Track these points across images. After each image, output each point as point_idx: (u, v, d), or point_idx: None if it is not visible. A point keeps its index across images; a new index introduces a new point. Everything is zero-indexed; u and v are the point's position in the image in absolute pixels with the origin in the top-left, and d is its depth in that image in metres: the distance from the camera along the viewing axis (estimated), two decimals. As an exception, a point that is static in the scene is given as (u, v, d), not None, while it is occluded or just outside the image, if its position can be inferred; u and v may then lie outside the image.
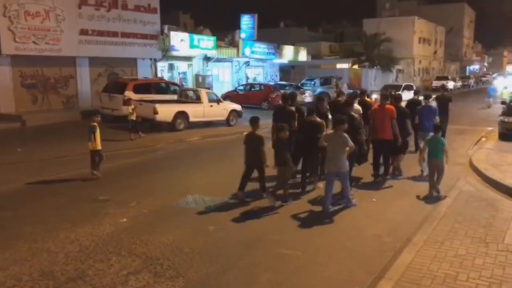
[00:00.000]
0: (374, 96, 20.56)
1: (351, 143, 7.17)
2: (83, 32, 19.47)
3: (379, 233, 6.32)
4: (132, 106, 14.26)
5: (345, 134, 7.20)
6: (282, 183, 7.65)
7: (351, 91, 32.52)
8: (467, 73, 69.52)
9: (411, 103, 11.68)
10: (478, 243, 5.81)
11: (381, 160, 9.31)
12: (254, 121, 7.91)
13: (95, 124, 9.27)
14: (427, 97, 11.18)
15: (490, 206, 7.45)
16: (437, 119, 10.33)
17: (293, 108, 8.90)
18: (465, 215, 6.93)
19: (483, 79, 63.69)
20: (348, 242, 6.02)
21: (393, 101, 9.63)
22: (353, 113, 8.47)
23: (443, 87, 15.97)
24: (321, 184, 8.22)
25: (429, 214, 7.06)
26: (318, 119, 8.36)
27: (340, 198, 7.68)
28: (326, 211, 7.19)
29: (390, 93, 11.00)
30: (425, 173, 8.85)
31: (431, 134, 8.91)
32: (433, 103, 11.07)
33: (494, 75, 64.79)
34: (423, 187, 8.30)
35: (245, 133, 8.38)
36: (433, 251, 5.56)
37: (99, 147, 9.25)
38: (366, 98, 11.31)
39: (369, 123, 9.38)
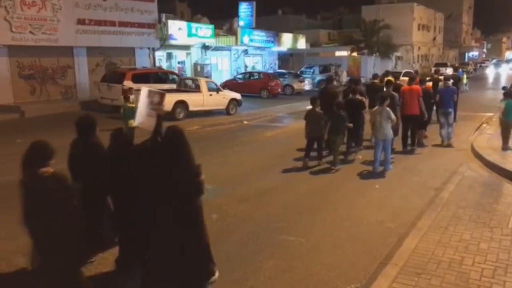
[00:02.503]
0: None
1: (393, 116, 8.69)
2: (80, 21, 19.30)
3: (382, 219, 6.30)
4: (133, 96, 13.92)
5: (388, 109, 8.70)
6: (335, 151, 9.11)
7: (349, 78, 32.72)
8: (466, 60, 69.28)
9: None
10: (482, 228, 5.79)
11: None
12: (314, 100, 9.27)
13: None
14: (447, 79, 12.38)
15: (494, 191, 7.43)
16: (455, 97, 11.82)
17: (335, 89, 10.60)
18: (468, 200, 6.91)
19: (483, 65, 63.55)
20: (351, 229, 6.00)
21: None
22: (393, 93, 10.02)
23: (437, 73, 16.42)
24: (359, 156, 9.92)
25: (432, 200, 7.04)
26: (360, 97, 9.99)
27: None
28: (375, 171, 8.73)
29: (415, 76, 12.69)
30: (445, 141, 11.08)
31: (450, 110, 11.04)
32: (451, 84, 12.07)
33: (494, 61, 64.61)
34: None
35: (307, 108, 9.71)
36: (437, 236, 5.55)
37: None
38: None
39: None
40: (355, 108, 9.66)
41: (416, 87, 10.61)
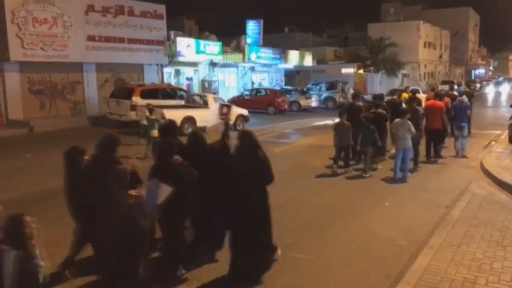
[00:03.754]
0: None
1: (413, 128, 9.45)
2: (90, 38, 19.58)
3: (394, 236, 6.25)
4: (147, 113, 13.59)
5: (409, 121, 9.49)
6: (367, 160, 9.88)
7: (373, 94, 32.74)
8: (473, 77, 69.32)
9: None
10: (495, 247, 5.73)
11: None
12: (341, 113, 10.21)
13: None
14: (461, 95, 13.23)
15: (505, 209, 7.36)
16: (469, 112, 12.60)
17: (360, 104, 11.42)
18: (479, 219, 6.85)
19: (484, 83, 63.49)
20: (362, 245, 5.95)
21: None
22: (417, 107, 10.81)
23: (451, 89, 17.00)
24: (380, 166, 10.53)
25: (443, 218, 6.98)
26: (383, 111, 10.79)
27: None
28: (396, 178, 9.46)
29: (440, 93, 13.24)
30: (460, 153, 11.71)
31: (464, 124, 11.75)
32: (465, 100, 12.72)
33: (500, 79, 64.58)
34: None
35: (335, 121, 10.76)
36: (449, 255, 5.49)
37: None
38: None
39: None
40: (379, 121, 10.43)
41: (440, 103, 11.32)
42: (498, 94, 46.68)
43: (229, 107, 7.56)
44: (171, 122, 5.97)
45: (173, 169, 4.68)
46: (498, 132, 15.99)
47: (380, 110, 10.89)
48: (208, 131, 5.80)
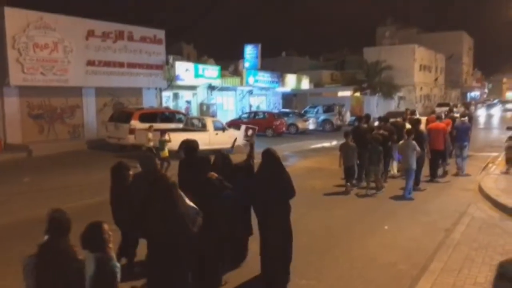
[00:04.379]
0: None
1: (418, 148, 9.88)
2: (90, 63, 19.79)
3: (394, 261, 6.23)
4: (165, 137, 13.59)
5: (414, 142, 9.93)
6: (378, 179, 10.37)
7: (354, 117, 33.04)
8: (468, 99, 70.01)
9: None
10: (496, 271, 5.70)
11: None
12: (347, 134, 10.81)
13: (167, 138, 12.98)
14: (463, 116, 13.86)
15: (505, 232, 7.36)
16: (470, 134, 13.30)
17: (365, 126, 11.78)
18: (480, 242, 6.84)
19: (484, 105, 64.10)
20: (363, 270, 5.92)
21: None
22: (422, 130, 11.34)
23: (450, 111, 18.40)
24: (385, 184, 10.85)
25: (443, 241, 6.97)
26: (386, 133, 11.22)
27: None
28: (405, 196, 9.88)
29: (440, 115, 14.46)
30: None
31: (465, 144, 12.49)
32: (467, 121, 13.63)
33: (495, 101, 65.22)
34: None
35: (340, 143, 11.11)
36: (451, 279, 5.46)
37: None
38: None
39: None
40: (384, 141, 10.87)
41: (443, 125, 12.11)
42: (489, 117, 46.98)
43: (254, 129, 8.37)
44: (194, 141, 6.25)
45: (210, 183, 5.08)
46: (495, 154, 16.07)
47: (382, 131, 11.33)
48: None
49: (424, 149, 10.72)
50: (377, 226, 7.91)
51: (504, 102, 63.91)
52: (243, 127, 8.12)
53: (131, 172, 5.56)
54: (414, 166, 9.92)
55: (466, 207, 9.06)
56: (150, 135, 14.33)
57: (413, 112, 16.63)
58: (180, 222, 4.21)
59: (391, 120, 15.25)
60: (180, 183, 5.32)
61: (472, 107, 55.93)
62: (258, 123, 24.76)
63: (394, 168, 12.35)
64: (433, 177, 11.77)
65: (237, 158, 6.61)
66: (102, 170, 12.05)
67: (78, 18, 19.65)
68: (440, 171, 12.21)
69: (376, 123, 13.47)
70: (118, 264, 3.41)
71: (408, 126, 12.01)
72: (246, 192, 5.54)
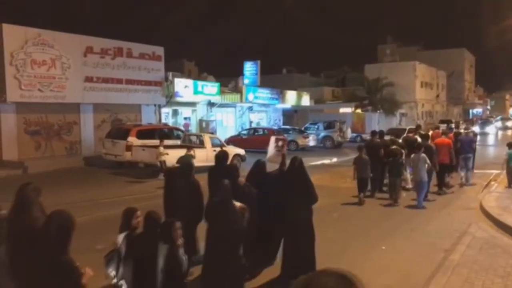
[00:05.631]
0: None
1: (428, 161, 10.58)
2: (88, 79, 19.74)
3: (389, 284, 5.94)
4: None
5: (424, 155, 10.62)
6: (393, 190, 10.94)
7: (355, 135, 32.85)
8: (470, 116, 69.76)
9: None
10: (497, 295, 5.42)
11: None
12: (360, 148, 11.52)
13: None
14: (467, 129, 15.28)
15: (506, 253, 7.06)
16: (475, 145, 14.32)
17: (378, 141, 12.52)
18: (480, 264, 6.54)
19: (487, 122, 63.58)
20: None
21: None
22: (430, 144, 12.08)
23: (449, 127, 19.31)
24: (404, 194, 11.44)
25: (442, 263, 6.68)
26: (399, 148, 11.69)
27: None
28: (419, 205, 10.50)
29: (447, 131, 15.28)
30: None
31: (470, 155, 13.43)
32: (471, 134, 14.69)
33: (498, 118, 64.88)
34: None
35: (354, 157, 11.69)
36: (449, 304, 5.17)
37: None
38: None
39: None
40: (395, 156, 11.42)
41: (448, 140, 12.87)
42: (484, 135, 43.72)
43: (284, 140, 9.38)
44: (225, 152, 7.61)
45: (240, 188, 5.99)
46: (497, 171, 15.75)
47: (395, 146, 11.91)
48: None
49: (434, 163, 11.31)
50: (374, 246, 7.61)
51: (504, 119, 62.80)
52: (272, 138, 9.23)
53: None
54: (425, 178, 10.59)
55: (466, 226, 8.77)
56: (162, 149, 14.80)
57: (418, 127, 17.38)
58: (237, 213, 5.00)
59: (403, 136, 16.05)
60: (210, 188, 6.47)
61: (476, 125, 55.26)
62: (257, 140, 24.61)
63: (408, 180, 12.63)
64: (440, 188, 12.32)
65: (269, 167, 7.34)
66: (96, 188, 11.91)
67: (77, 35, 19.68)
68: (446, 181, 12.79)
69: (388, 137, 14.06)
70: (185, 256, 4.16)
71: (419, 140, 12.67)
72: (277, 196, 6.19)
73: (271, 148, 8.85)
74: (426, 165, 10.55)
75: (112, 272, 4.25)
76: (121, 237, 4.30)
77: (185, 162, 7.41)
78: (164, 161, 14.84)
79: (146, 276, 4.04)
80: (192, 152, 13.98)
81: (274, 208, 6.19)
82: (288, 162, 6.53)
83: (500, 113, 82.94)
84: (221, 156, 7.35)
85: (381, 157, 11.75)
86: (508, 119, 63.69)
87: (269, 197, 6.20)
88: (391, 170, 11.09)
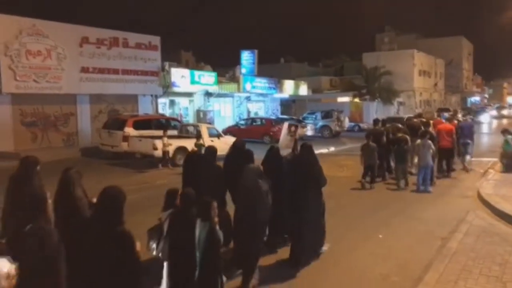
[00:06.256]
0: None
1: (433, 147, 11.14)
2: (84, 69, 19.59)
3: (387, 272, 5.93)
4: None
5: (429, 141, 11.10)
6: (405, 175, 11.47)
7: (353, 124, 32.80)
8: (468, 105, 69.71)
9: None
10: (495, 282, 5.40)
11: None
12: (368, 136, 11.96)
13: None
14: (466, 115, 15.78)
15: (504, 241, 7.05)
16: (473, 131, 14.63)
17: (382, 129, 12.98)
18: (478, 252, 6.53)
19: (486, 109, 63.47)
20: (353, 284, 5.62)
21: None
22: (432, 131, 12.59)
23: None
24: (401, 184, 11.49)
25: (439, 251, 6.67)
26: (405, 135, 12.06)
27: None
28: (418, 191, 10.92)
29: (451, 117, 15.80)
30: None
31: (469, 141, 13.90)
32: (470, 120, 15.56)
33: (495, 106, 64.81)
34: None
35: (362, 144, 11.93)
36: (446, 292, 5.16)
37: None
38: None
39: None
40: (400, 143, 11.78)
41: (450, 126, 13.27)
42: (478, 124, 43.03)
43: (296, 126, 9.98)
44: (242, 141, 7.88)
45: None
46: (495, 159, 15.74)
47: (401, 134, 12.24)
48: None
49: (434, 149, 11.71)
50: (371, 235, 7.60)
51: (501, 107, 62.34)
52: (286, 123, 10.08)
53: None
54: (431, 162, 11.09)
55: (464, 214, 8.76)
56: (165, 140, 14.96)
57: (420, 115, 18.01)
58: (264, 193, 5.33)
59: (407, 122, 16.03)
60: (226, 173, 6.81)
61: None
62: (255, 130, 24.60)
63: (412, 166, 12.92)
64: (441, 173, 12.81)
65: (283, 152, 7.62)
66: (96, 179, 11.86)
67: (72, 24, 19.49)
68: (445, 166, 13.13)
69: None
70: (221, 234, 4.45)
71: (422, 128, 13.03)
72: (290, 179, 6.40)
73: (284, 134, 9.45)
74: (431, 150, 11.01)
75: (153, 245, 4.65)
76: (165, 214, 4.63)
77: (209, 148, 7.64)
78: (168, 152, 15.00)
79: (183, 252, 4.26)
80: (201, 141, 14.30)
81: (289, 193, 6.35)
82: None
83: (498, 102, 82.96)
84: (237, 145, 7.73)
85: (384, 144, 12.14)
86: (503, 107, 63.49)
87: (285, 181, 6.41)
88: (396, 156, 11.56)
